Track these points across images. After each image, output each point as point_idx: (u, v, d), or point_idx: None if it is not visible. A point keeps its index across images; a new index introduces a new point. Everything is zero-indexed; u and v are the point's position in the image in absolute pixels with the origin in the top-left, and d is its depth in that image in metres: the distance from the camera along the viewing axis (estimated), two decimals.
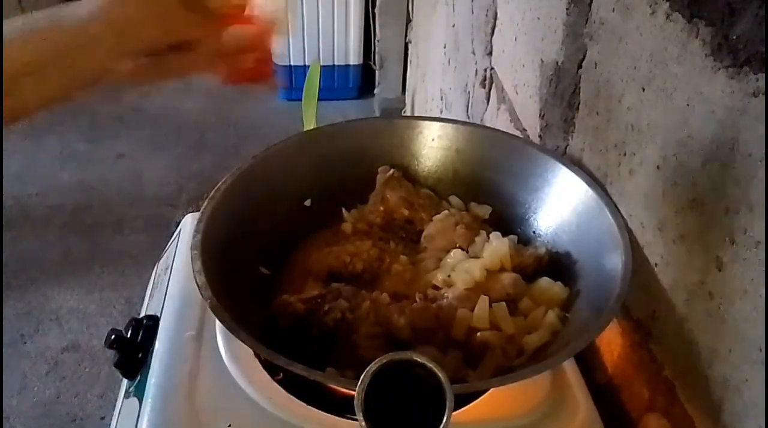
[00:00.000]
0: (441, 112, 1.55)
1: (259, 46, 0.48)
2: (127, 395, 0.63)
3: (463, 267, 0.60)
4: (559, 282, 0.58)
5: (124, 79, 0.45)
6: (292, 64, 2.32)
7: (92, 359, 1.49)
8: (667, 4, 0.48)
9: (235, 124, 2.32)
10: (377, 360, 0.36)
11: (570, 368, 0.59)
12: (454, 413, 0.35)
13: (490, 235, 0.63)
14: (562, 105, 0.71)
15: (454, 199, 0.71)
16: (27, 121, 0.41)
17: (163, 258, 0.79)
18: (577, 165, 0.63)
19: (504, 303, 0.56)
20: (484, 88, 1.09)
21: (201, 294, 0.49)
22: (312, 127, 0.78)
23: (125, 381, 0.66)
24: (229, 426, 0.51)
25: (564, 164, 0.62)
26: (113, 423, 0.66)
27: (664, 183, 0.50)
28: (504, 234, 0.63)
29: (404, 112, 2.30)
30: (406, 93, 2.33)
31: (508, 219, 0.67)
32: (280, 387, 0.54)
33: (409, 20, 2.18)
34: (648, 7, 0.51)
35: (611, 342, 0.62)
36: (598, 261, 0.55)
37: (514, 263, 0.61)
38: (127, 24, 0.42)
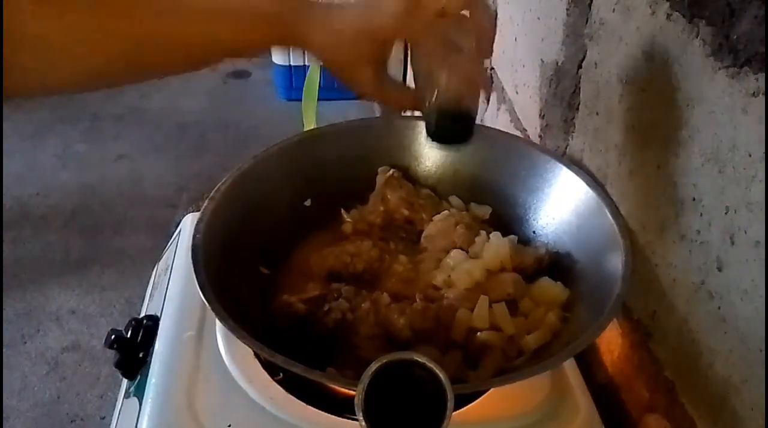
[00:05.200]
0: None
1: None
2: (127, 395, 0.63)
3: (463, 267, 0.60)
4: (559, 283, 0.58)
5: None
6: (292, 64, 2.32)
7: (92, 359, 1.49)
8: (668, 4, 0.48)
9: (235, 124, 2.32)
10: (377, 360, 0.36)
11: (570, 368, 0.59)
12: (454, 413, 0.35)
13: (490, 236, 0.63)
14: (562, 105, 0.71)
15: (454, 199, 0.70)
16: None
17: (163, 258, 0.79)
18: (577, 165, 0.63)
19: (504, 304, 0.56)
20: None
21: (201, 294, 0.49)
22: (312, 127, 0.78)
23: (125, 381, 0.66)
24: (229, 426, 0.51)
25: (564, 164, 0.62)
26: (113, 423, 0.66)
27: (664, 183, 0.50)
28: (504, 235, 0.63)
29: (404, 112, 2.29)
30: None
31: (508, 220, 0.67)
32: (280, 387, 0.54)
33: None
34: (648, 8, 0.51)
35: (611, 342, 0.62)
36: (599, 262, 0.55)
37: (514, 263, 0.61)
38: None
